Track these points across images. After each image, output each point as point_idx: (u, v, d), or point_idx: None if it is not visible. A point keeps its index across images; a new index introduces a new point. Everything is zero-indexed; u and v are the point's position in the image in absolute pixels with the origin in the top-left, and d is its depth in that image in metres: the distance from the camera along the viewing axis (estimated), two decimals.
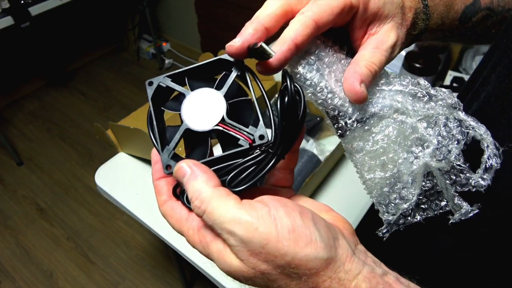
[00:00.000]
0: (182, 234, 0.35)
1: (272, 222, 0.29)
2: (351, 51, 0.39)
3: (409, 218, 0.39)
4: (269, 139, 0.35)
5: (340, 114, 0.38)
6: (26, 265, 1.91)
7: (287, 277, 0.29)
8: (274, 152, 0.34)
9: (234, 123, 0.35)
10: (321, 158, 1.10)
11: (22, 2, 1.98)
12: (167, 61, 3.15)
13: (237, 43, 0.33)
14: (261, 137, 0.35)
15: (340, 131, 0.39)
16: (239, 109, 0.37)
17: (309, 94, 0.38)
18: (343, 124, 0.38)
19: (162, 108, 0.38)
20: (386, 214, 0.39)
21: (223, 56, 0.37)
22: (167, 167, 0.35)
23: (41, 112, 2.77)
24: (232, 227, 0.28)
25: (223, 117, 0.35)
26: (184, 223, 0.34)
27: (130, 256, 1.93)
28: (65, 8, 2.21)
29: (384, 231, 0.40)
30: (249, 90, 0.37)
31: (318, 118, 1.21)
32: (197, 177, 0.31)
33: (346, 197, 1.05)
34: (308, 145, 1.13)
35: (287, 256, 0.28)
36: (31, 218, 2.11)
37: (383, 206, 0.39)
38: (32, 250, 1.97)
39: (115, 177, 1.13)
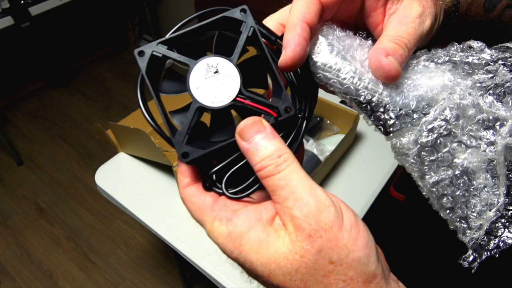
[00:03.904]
0: (201, 224, 0.30)
1: (339, 211, 0.27)
2: (374, 40, 0.34)
3: (503, 236, 0.28)
4: (296, 109, 0.32)
5: (376, 104, 0.31)
6: (26, 265, 1.91)
7: (331, 284, 0.26)
8: (303, 116, 0.32)
9: (254, 96, 0.31)
10: (321, 158, 1.10)
11: (22, 2, 1.98)
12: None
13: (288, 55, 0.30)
14: (287, 109, 0.31)
15: (382, 128, 0.31)
16: (252, 73, 0.32)
17: (333, 82, 0.32)
18: (384, 116, 0.31)
19: (161, 93, 0.32)
20: (469, 231, 0.29)
21: (228, 13, 0.32)
22: (184, 154, 0.29)
23: (41, 112, 2.77)
24: (307, 196, 0.26)
25: (240, 89, 0.31)
26: (208, 212, 0.30)
27: (130, 256, 1.93)
28: (65, 8, 2.20)
29: (470, 259, 0.29)
30: (266, 53, 0.32)
31: (318, 118, 1.20)
32: (277, 137, 0.29)
33: (346, 197, 1.05)
34: (308, 145, 1.13)
35: (344, 250, 0.26)
36: (31, 218, 2.11)
37: (461, 220, 0.29)
38: (32, 250, 1.97)
39: (115, 177, 1.13)
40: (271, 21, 0.35)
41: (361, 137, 1.20)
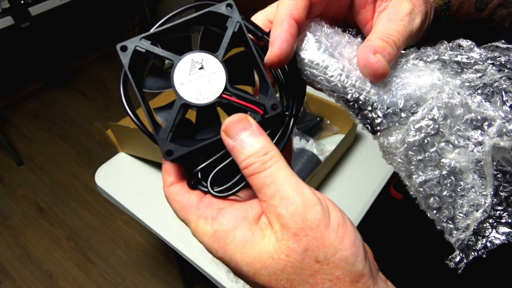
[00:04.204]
0: (186, 223, 0.30)
1: (326, 209, 0.26)
2: (364, 37, 0.33)
3: (491, 236, 0.28)
4: (283, 107, 0.31)
5: (363, 102, 0.30)
6: (26, 265, 1.91)
7: (317, 283, 0.25)
8: (290, 114, 0.31)
9: (240, 93, 0.30)
10: (321, 158, 1.10)
11: (22, 2, 1.98)
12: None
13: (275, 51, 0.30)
14: (274, 107, 0.30)
15: (370, 126, 0.31)
16: (238, 70, 0.31)
17: (320, 79, 0.31)
18: (371, 115, 0.30)
19: (144, 89, 0.31)
20: (455, 232, 0.29)
21: (213, 8, 0.31)
22: (168, 152, 0.29)
23: (41, 112, 2.77)
24: (293, 194, 0.26)
25: (225, 86, 0.30)
26: (193, 211, 0.29)
27: (130, 256, 1.93)
28: (65, 8, 2.20)
29: (457, 259, 0.29)
30: (252, 49, 0.31)
31: (318, 118, 1.20)
32: (264, 134, 0.28)
33: (346, 197, 1.05)
34: (308, 145, 1.13)
35: (330, 249, 0.25)
36: (31, 218, 2.11)
37: (448, 220, 0.29)
38: (32, 250, 1.97)
39: (115, 177, 1.13)
40: (260, 18, 0.34)
41: (361, 137, 1.20)
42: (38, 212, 2.14)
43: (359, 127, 1.17)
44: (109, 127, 1.12)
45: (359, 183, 1.08)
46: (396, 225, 0.91)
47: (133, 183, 1.11)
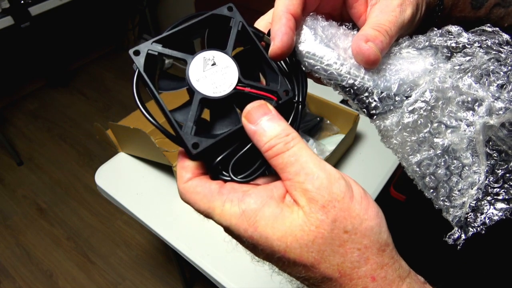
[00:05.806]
0: (210, 212, 0.30)
1: (348, 183, 0.28)
2: (359, 30, 0.35)
3: (489, 212, 0.28)
4: (294, 92, 0.33)
5: (358, 88, 0.32)
6: (26, 265, 1.91)
7: (347, 253, 0.26)
8: (297, 101, 0.34)
9: (253, 83, 0.32)
10: (321, 158, 1.09)
11: (22, 2, 1.98)
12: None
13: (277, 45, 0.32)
14: (287, 92, 0.33)
15: (366, 110, 0.33)
16: (247, 66, 0.33)
17: (317, 68, 0.33)
18: (367, 100, 0.32)
19: (160, 90, 0.33)
20: (452, 209, 0.30)
21: (216, 11, 0.33)
22: (194, 145, 0.29)
23: (41, 112, 2.77)
24: (317, 170, 0.27)
25: (239, 78, 0.32)
26: (217, 197, 0.29)
27: (130, 256, 1.93)
28: (65, 8, 2.20)
29: (455, 236, 0.29)
30: (257, 43, 0.33)
31: (318, 118, 1.20)
32: (282, 118, 0.30)
33: None
34: (308, 145, 1.13)
35: (357, 220, 0.26)
36: (31, 218, 2.11)
37: (445, 199, 0.30)
38: (32, 250, 1.97)
39: (115, 177, 1.13)
40: (262, 22, 0.37)
41: (361, 137, 1.20)
42: (38, 212, 2.14)
43: (359, 127, 1.17)
44: (109, 127, 1.12)
45: (359, 183, 1.08)
46: (397, 225, 0.91)
47: (133, 183, 1.11)
